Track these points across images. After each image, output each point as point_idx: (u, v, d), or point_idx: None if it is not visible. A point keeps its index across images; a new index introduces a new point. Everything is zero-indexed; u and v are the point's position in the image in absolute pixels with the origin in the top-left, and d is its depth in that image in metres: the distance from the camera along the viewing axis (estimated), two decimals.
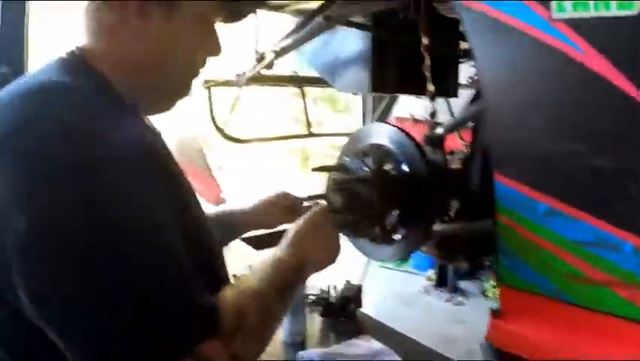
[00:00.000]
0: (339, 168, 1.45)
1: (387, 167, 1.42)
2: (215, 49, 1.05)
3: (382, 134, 1.46)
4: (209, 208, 1.45)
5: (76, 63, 0.92)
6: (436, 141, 1.46)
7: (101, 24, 0.94)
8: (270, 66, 2.25)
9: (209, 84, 2.53)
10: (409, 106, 3.39)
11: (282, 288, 0.97)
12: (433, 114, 1.49)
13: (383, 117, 3.22)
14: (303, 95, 2.99)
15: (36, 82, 0.84)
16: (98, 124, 0.78)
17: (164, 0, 0.92)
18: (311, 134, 3.04)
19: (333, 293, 1.80)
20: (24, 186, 0.72)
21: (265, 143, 2.99)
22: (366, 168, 1.40)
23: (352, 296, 1.76)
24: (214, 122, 2.57)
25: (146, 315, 0.73)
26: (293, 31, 2.06)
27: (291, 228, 1.11)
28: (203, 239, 0.99)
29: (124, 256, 0.73)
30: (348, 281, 1.82)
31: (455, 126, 1.56)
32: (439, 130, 1.47)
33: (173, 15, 0.94)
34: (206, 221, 1.06)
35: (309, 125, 3.00)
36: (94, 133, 0.76)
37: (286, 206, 1.44)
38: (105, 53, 0.94)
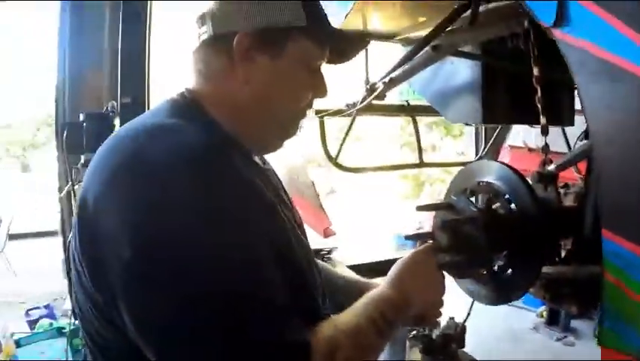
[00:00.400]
0: (445, 206, 1.42)
1: (496, 206, 1.37)
2: (321, 90, 1.08)
3: (491, 172, 1.42)
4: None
5: (187, 105, 0.98)
6: (548, 178, 1.38)
7: (209, 68, 0.99)
8: (381, 97, 2.27)
9: (320, 114, 2.60)
10: (525, 132, 3.27)
11: (381, 324, 0.96)
12: (545, 148, 1.41)
13: (497, 145, 3.13)
14: (415, 125, 2.98)
15: (149, 122, 0.92)
16: (206, 162, 0.83)
17: (269, 45, 0.96)
18: (422, 164, 3.02)
19: (435, 330, 1.76)
20: (132, 216, 0.78)
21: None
22: (474, 208, 1.36)
23: (455, 335, 1.70)
24: (326, 152, 2.63)
25: (240, 348, 0.76)
26: (402, 61, 2.07)
27: (396, 264, 1.10)
28: (305, 272, 1.01)
29: (223, 293, 0.76)
30: (451, 318, 1.76)
31: (569, 163, 1.48)
32: (551, 167, 1.40)
33: (278, 59, 0.98)
34: (309, 254, 1.08)
35: (420, 154, 2.99)
36: (202, 171, 0.81)
37: None
38: (213, 95, 0.99)
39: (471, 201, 1.38)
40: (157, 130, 0.87)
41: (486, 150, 3.11)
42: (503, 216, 1.35)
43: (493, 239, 1.29)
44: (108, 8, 2.89)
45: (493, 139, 3.01)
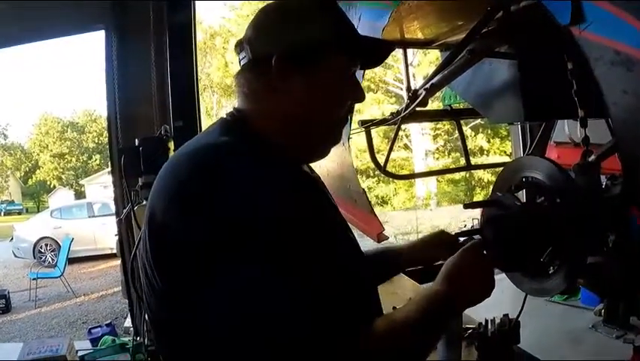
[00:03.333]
0: (492, 203, 1.46)
1: (539, 200, 1.41)
2: (357, 95, 1.15)
3: (533, 167, 1.45)
4: (370, 245, 1.55)
5: (235, 123, 1.08)
6: (590, 169, 1.41)
7: (252, 90, 1.09)
8: (424, 104, 2.30)
9: (366, 124, 2.66)
10: (570, 127, 3.22)
11: (432, 318, 1.01)
12: (585, 140, 1.43)
13: (542, 143, 3.11)
14: (460, 129, 3.00)
15: (203, 142, 1.04)
16: (253, 175, 0.92)
17: (303, 64, 1.05)
18: (469, 167, 3.03)
19: (490, 327, 1.78)
20: (194, 223, 0.89)
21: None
22: (518, 203, 1.40)
23: (509, 331, 1.72)
24: (375, 161, 2.69)
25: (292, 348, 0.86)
26: (441, 67, 2.10)
27: (447, 262, 1.15)
28: (355, 274, 1.08)
29: (274, 297, 0.86)
30: (505, 315, 1.78)
31: (609, 152, 1.49)
32: (592, 158, 1.42)
33: (313, 75, 1.06)
34: (359, 256, 1.16)
35: (467, 157, 2.99)
36: (250, 183, 0.91)
37: (443, 244, 1.46)
38: (258, 113, 1.08)
39: (516, 197, 1.42)
40: (210, 149, 0.98)
41: (532, 148, 3.09)
42: (546, 209, 1.38)
43: (538, 232, 1.32)
44: (153, 34, 3.02)
45: (538, 137, 2.99)
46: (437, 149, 20.73)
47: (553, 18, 1.24)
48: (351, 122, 2.91)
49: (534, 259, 1.36)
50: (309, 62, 1.05)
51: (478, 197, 19.93)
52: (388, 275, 1.55)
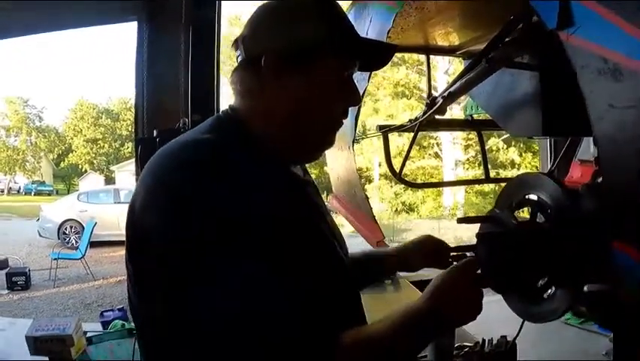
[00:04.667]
0: (487, 219, 1.41)
1: (540, 220, 1.35)
2: (353, 99, 1.11)
3: (537, 185, 1.40)
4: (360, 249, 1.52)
5: (227, 121, 1.07)
6: (597, 191, 1.35)
7: (244, 88, 1.06)
8: (442, 111, 2.27)
9: (384, 130, 2.63)
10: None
11: (410, 334, 0.98)
12: (597, 160, 1.38)
13: (567, 159, 3.04)
14: (481, 140, 2.94)
15: (189, 138, 1.02)
16: (233, 172, 0.91)
17: (297, 64, 1.02)
18: (488, 180, 2.97)
19: (486, 347, 1.74)
20: (164, 218, 0.88)
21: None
22: (514, 221, 1.34)
23: (504, 353, 1.68)
24: (390, 167, 2.65)
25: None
26: (461, 75, 2.07)
27: (436, 277, 1.10)
28: (339, 280, 1.06)
29: (248, 295, 0.84)
30: (503, 337, 1.73)
31: None
32: (601, 179, 1.36)
33: (307, 76, 1.03)
34: (343, 262, 1.12)
35: (486, 169, 2.94)
36: (228, 181, 0.89)
37: (430, 250, 1.41)
38: (250, 111, 1.06)
39: (513, 215, 1.36)
40: (190, 145, 0.98)
41: (555, 164, 3.02)
42: (544, 230, 1.33)
43: (533, 254, 1.26)
44: (183, 28, 3.05)
45: (562, 152, 2.92)
46: (467, 159, 20.54)
47: (542, 22, 1.16)
48: (355, 127, 2.89)
49: (528, 281, 1.31)
50: (301, 62, 1.02)
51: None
52: (370, 280, 1.50)
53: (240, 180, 0.90)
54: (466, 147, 20.26)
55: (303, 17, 1.04)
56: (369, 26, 2.35)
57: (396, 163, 2.70)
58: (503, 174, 18.96)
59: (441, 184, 14.77)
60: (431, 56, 2.75)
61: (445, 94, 2.12)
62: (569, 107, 1.86)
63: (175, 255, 0.85)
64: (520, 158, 19.88)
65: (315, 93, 1.04)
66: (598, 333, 3.74)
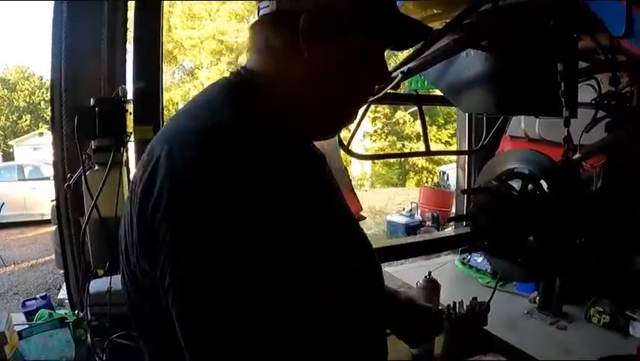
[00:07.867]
0: (486, 190, 1.50)
1: (532, 189, 1.45)
2: (382, 76, 1.06)
3: (524, 159, 1.50)
4: None
5: (243, 87, 0.94)
6: (573, 166, 1.47)
7: (268, 46, 0.95)
8: (396, 87, 2.29)
9: None
10: (527, 122, 3.34)
11: None
12: (567, 139, 1.49)
13: (496, 135, 3.20)
14: (422, 115, 3.01)
15: (207, 119, 0.88)
16: (257, 172, 0.80)
17: (333, 29, 0.93)
18: (429, 152, 3.06)
19: (459, 309, 1.82)
20: (183, 228, 0.76)
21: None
22: (514, 192, 1.44)
23: (478, 313, 1.77)
24: (339, 140, 2.67)
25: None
26: (418, 52, 2.10)
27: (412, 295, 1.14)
28: (354, 270, 0.99)
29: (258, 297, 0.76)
30: (474, 298, 1.83)
31: (592, 153, 1.56)
32: (576, 156, 1.48)
33: (340, 44, 0.94)
34: (364, 239, 1.10)
35: (427, 143, 3.01)
36: (253, 183, 0.78)
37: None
38: (272, 75, 0.96)
39: (511, 185, 1.46)
40: (212, 137, 0.82)
41: (487, 139, 3.17)
42: (541, 198, 1.42)
43: (529, 220, 1.37)
44: None
45: (495, 129, 3.07)
46: (375, 131, 20.98)
47: (605, 28, 1.22)
48: None
49: (522, 246, 1.40)
50: (338, 28, 0.94)
51: (411, 181, 20.50)
52: None
53: (264, 181, 0.81)
54: (373, 119, 20.69)
55: None
56: None
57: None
58: (409, 145, 19.68)
59: (385, 156, 14.82)
60: None
61: (405, 69, 2.13)
62: (521, 89, 1.98)
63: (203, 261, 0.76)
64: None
65: (346, 63, 0.97)
66: (518, 294, 4.05)
